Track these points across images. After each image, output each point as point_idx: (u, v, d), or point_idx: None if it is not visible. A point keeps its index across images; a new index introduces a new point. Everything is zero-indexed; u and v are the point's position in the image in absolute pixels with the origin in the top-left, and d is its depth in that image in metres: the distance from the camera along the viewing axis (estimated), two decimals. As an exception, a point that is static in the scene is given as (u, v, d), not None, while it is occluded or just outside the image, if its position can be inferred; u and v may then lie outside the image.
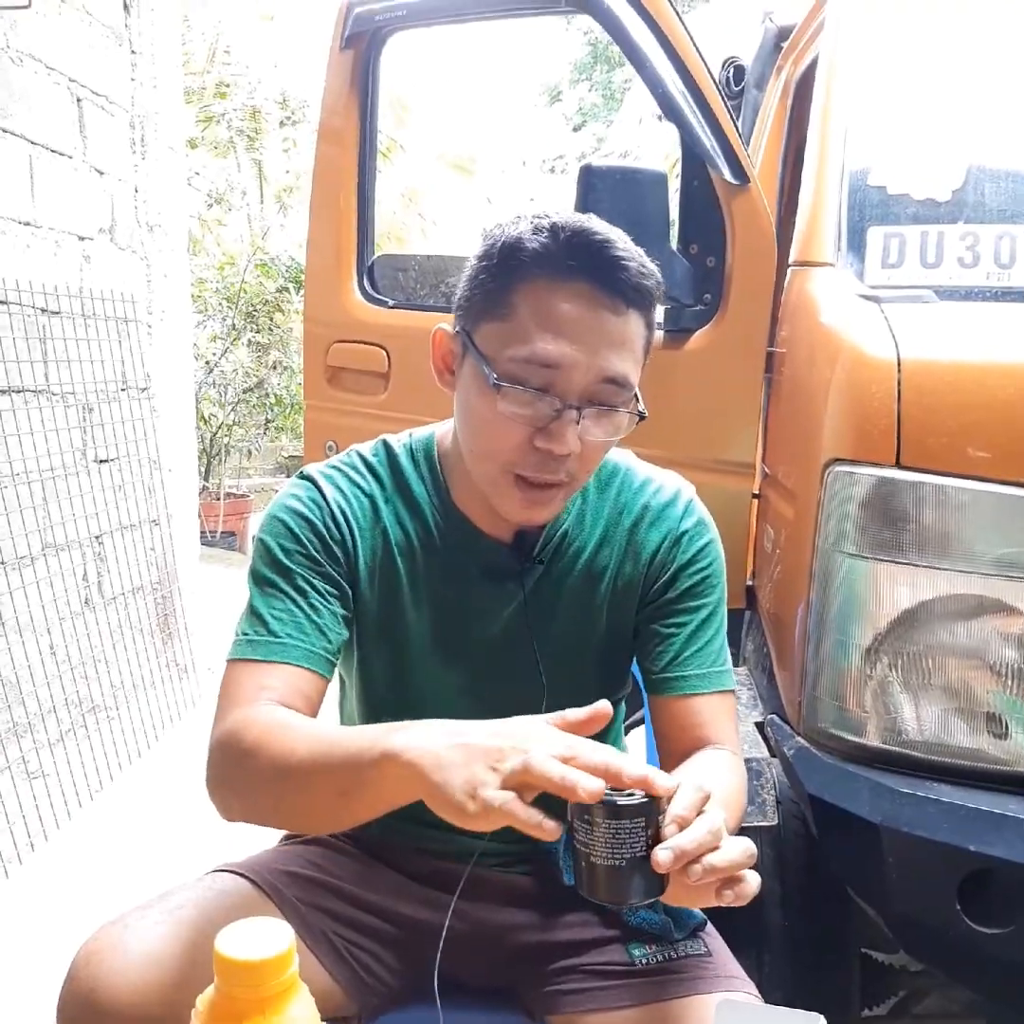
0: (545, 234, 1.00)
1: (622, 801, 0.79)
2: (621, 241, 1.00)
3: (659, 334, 1.93)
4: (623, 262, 0.98)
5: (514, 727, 0.84)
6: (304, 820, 1.05)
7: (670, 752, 1.15)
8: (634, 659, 1.26)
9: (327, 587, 1.09)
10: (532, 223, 1.01)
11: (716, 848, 0.81)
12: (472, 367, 1.04)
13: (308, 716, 1.04)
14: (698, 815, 0.82)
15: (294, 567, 1.09)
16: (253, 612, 1.08)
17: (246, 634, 1.08)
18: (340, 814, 0.95)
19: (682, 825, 0.80)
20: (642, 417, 1.05)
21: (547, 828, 0.77)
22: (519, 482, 1.04)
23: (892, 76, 1.89)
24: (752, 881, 0.83)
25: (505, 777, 0.79)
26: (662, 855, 0.78)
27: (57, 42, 3.19)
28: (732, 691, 1.17)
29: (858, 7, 1.93)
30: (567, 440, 1.00)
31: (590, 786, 0.76)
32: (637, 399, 1.05)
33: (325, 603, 1.09)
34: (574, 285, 0.99)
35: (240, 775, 0.99)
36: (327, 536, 1.10)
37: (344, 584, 1.11)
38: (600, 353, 0.99)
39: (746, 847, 0.83)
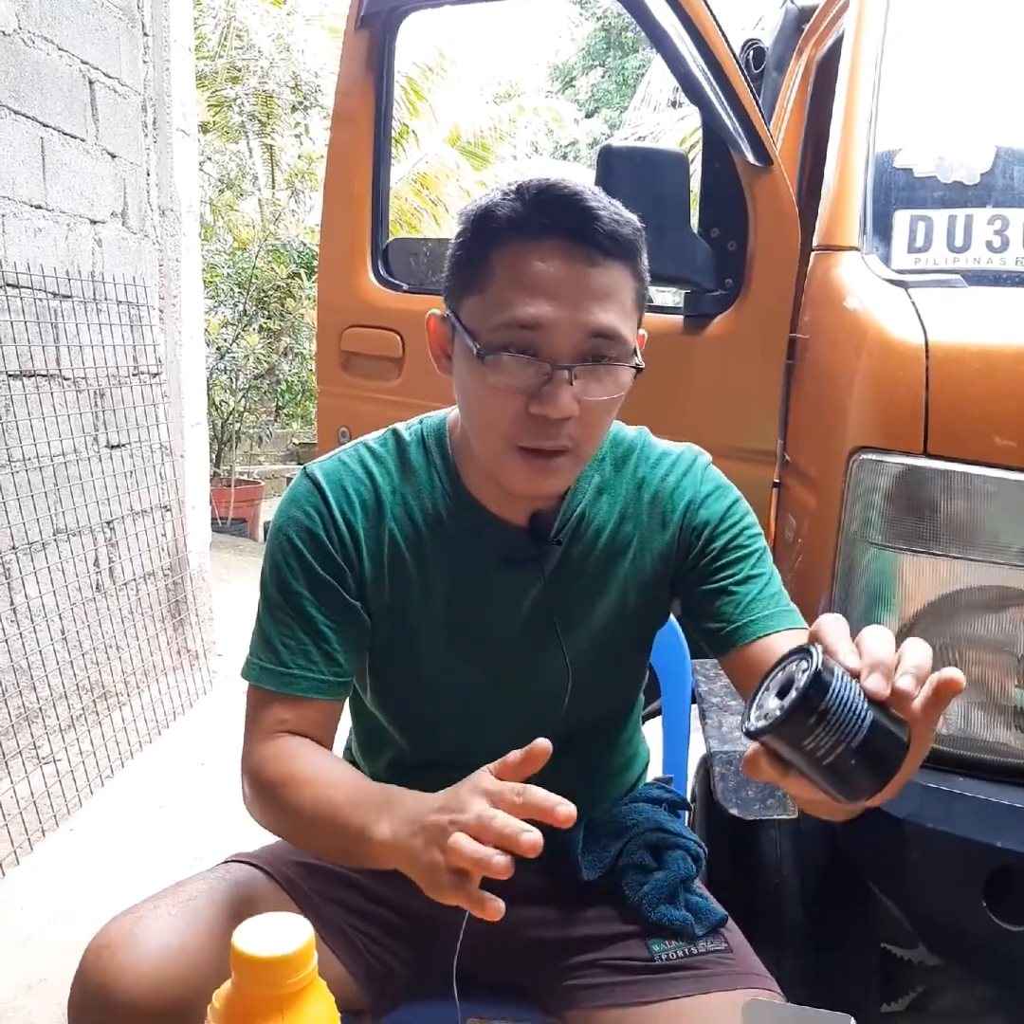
0: (512, 196, 0.98)
1: (814, 671, 0.70)
2: (591, 193, 0.98)
3: (679, 319, 1.91)
4: (595, 212, 0.96)
5: (456, 796, 0.84)
6: (322, 858, 1.14)
7: None
8: (652, 645, 1.24)
9: (333, 608, 1.08)
10: (501, 191, 1.00)
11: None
12: (461, 344, 1.02)
13: (325, 739, 1.10)
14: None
15: (300, 591, 1.08)
16: (264, 635, 1.09)
17: (259, 659, 1.09)
18: (350, 863, 1.05)
19: (855, 651, 0.74)
20: (639, 370, 1.02)
21: (487, 911, 0.79)
22: (523, 453, 1.01)
23: (918, 57, 1.86)
24: (952, 669, 0.73)
25: (448, 857, 0.80)
26: (872, 682, 0.71)
27: (69, 24, 3.17)
28: (806, 628, 1.12)
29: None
30: (561, 403, 0.97)
31: (497, 863, 0.76)
32: (635, 352, 1.02)
33: (332, 626, 1.08)
34: (547, 243, 0.96)
35: (263, 812, 1.06)
36: (330, 548, 1.08)
37: (351, 597, 1.09)
38: (583, 308, 0.96)
39: (920, 644, 0.75)
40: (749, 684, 1.08)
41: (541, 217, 0.96)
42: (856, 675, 0.73)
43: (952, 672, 0.72)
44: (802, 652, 0.74)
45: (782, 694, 0.73)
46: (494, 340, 0.98)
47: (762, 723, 0.72)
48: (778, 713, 0.71)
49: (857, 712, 0.70)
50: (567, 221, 0.96)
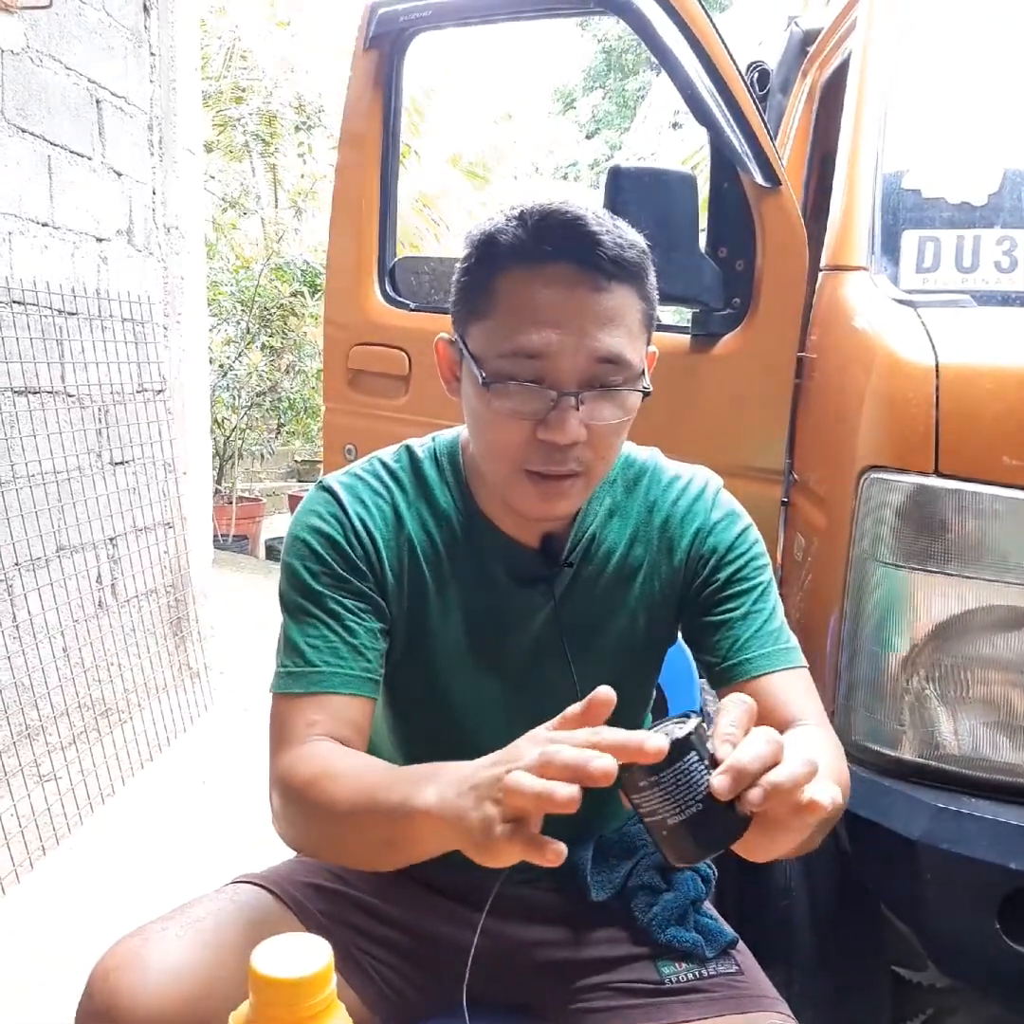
0: (515, 223, 0.98)
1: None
2: (594, 216, 0.97)
3: (686, 338, 1.91)
4: (597, 237, 0.95)
5: (513, 748, 0.78)
6: (358, 863, 1.06)
7: None
8: (661, 667, 1.24)
9: (358, 604, 1.07)
10: (505, 215, 1.00)
11: (777, 763, 0.74)
12: (468, 370, 1.02)
13: (358, 742, 1.04)
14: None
15: (322, 590, 1.06)
16: (289, 642, 1.06)
17: (285, 666, 1.06)
18: (389, 860, 0.95)
19: (734, 743, 0.75)
20: (646, 394, 1.02)
21: (548, 855, 0.72)
22: (532, 476, 1.01)
23: (926, 77, 1.87)
24: (828, 792, 0.74)
25: (504, 808, 0.74)
26: (717, 781, 0.72)
27: (77, 43, 3.19)
28: (804, 667, 1.11)
29: (890, 8, 1.90)
30: (568, 429, 0.97)
31: (562, 794, 0.69)
32: (644, 374, 1.02)
33: (359, 621, 1.06)
34: (550, 269, 0.96)
35: (293, 821, 1.01)
36: (351, 553, 1.07)
37: (375, 597, 1.08)
38: (588, 334, 0.96)
39: (805, 757, 0.75)
40: None
41: (543, 244, 0.96)
42: (717, 764, 0.74)
43: (820, 795, 0.73)
44: (689, 716, 0.77)
45: None
46: (500, 368, 0.98)
47: None
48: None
49: (690, 795, 0.73)
50: (570, 247, 0.96)
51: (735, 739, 0.75)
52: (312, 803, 0.95)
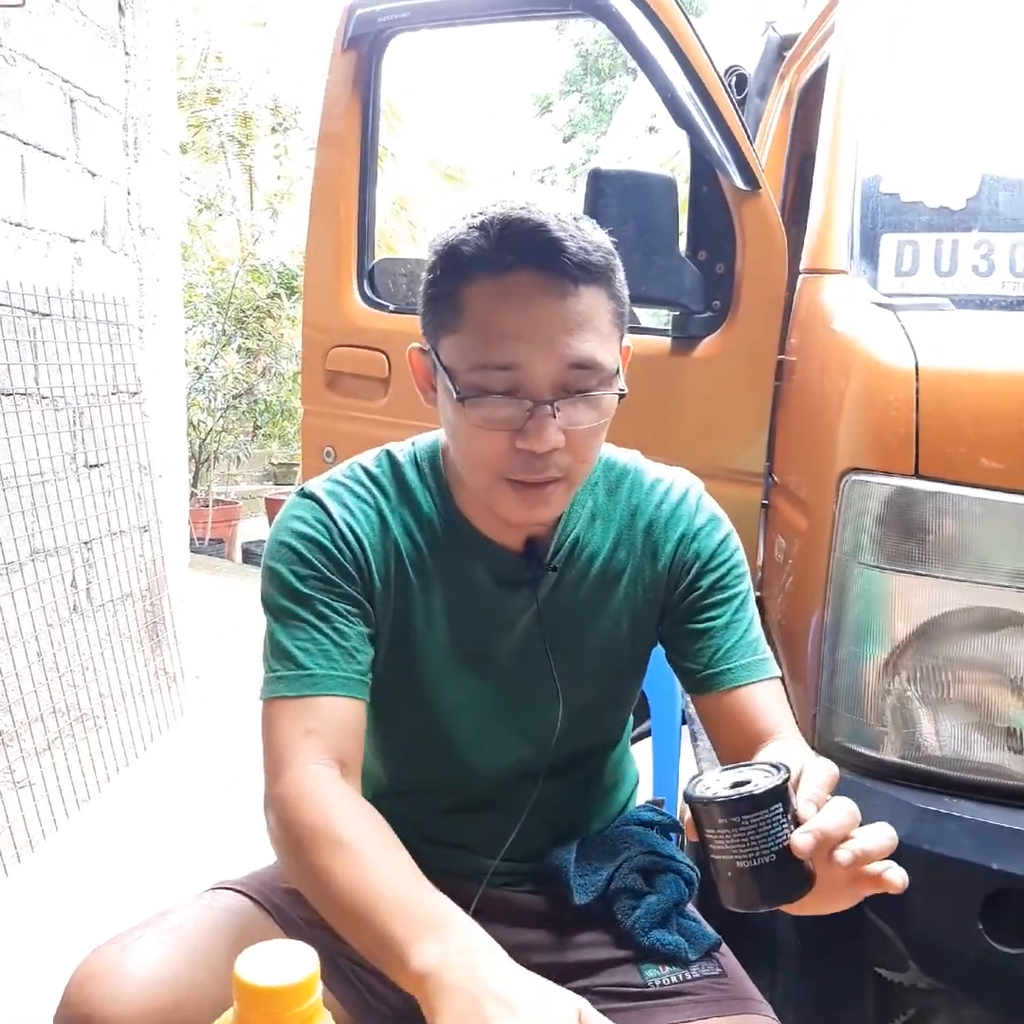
0: (477, 232, 0.97)
1: (756, 791, 0.75)
2: (557, 221, 0.96)
3: (666, 340, 1.91)
4: (561, 243, 0.94)
5: (536, 1016, 0.74)
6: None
7: (731, 750, 1.11)
8: (645, 671, 1.24)
9: (347, 607, 1.05)
10: (467, 223, 0.99)
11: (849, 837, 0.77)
12: (443, 382, 1.01)
13: (355, 752, 1.02)
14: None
15: (311, 593, 1.04)
16: (278, 647, 1.04)
17: (274, 671, 1.03)
18: (370, 961, 0.90)
19: (818, 805, 0.77)
20: (622, 395, 1.01)
21: None
22: (513, 484, 1.01)
23: (904, 82, 1.88)
24: (901, 874, 0.78)
25: None
26: (801, 839, 0.74)
27: (51, 42, 3.16)
28: (779, 677, 1.13)
29: (869, 12, 1.91)
30: (546, 437, 0.96)
31: None
32: (618, 373, 1.01)
33: (349, 624, 1.05)
34: (516, 278, 0.95)
35: (286, 858, 0.97)
36: (338, 557, 1.06)
37: (363, 601, 1.07)
38: (558, 341, 0.95)
39: (887, 830, 0.79)
40: (718, 728, 1.12)
41: (506, 254, 0.95)
42: (799, 823, 0.77)
43: (895, 875, 0.77)
44: (779, 769, 0.80)
45: (734, 786, 0.78)
46: (473, 381, 0.97)
47: (692, 791, 0.78)
48: (706, 794, 0.77)
49: (767, 845, 0.75)
50: (534, 255, 0.95)
51: (821, 801, 0.78)
52: (312, 863, 0.92)
